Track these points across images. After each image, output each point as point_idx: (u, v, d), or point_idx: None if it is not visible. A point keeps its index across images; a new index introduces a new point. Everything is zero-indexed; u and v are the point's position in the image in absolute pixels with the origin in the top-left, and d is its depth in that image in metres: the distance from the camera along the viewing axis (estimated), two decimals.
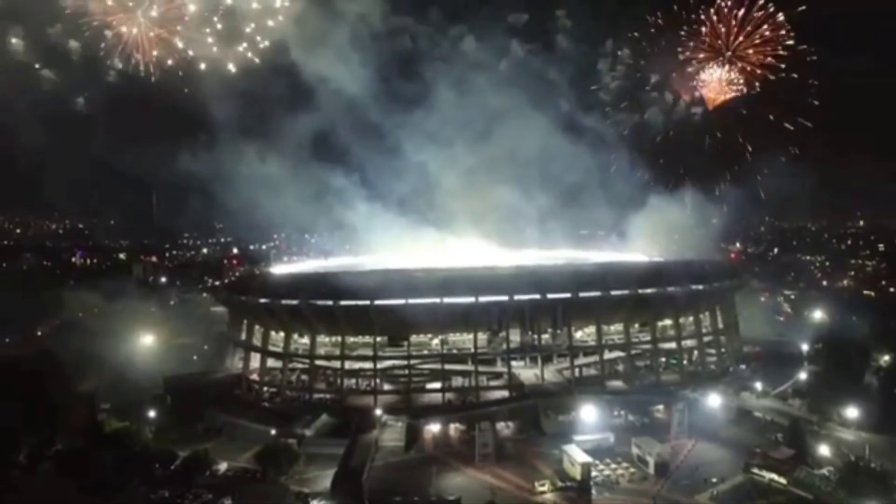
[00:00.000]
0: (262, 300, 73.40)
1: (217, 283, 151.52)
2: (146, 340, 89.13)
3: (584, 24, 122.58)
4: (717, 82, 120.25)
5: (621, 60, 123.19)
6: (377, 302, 67.89)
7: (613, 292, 71.46)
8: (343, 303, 68.72)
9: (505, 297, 69.36)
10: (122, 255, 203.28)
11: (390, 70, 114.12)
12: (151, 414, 67.01)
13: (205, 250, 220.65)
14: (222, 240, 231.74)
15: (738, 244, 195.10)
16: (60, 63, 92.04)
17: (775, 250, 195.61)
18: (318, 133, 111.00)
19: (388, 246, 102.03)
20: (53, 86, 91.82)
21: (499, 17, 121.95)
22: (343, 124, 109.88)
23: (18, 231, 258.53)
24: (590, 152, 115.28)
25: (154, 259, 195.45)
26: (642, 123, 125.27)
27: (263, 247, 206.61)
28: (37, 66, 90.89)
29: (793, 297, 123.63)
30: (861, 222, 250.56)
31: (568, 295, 70.39)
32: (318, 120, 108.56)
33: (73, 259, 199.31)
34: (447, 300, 68.27)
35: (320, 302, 69.35)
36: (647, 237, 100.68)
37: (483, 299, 69.01)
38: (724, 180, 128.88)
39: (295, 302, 70.70)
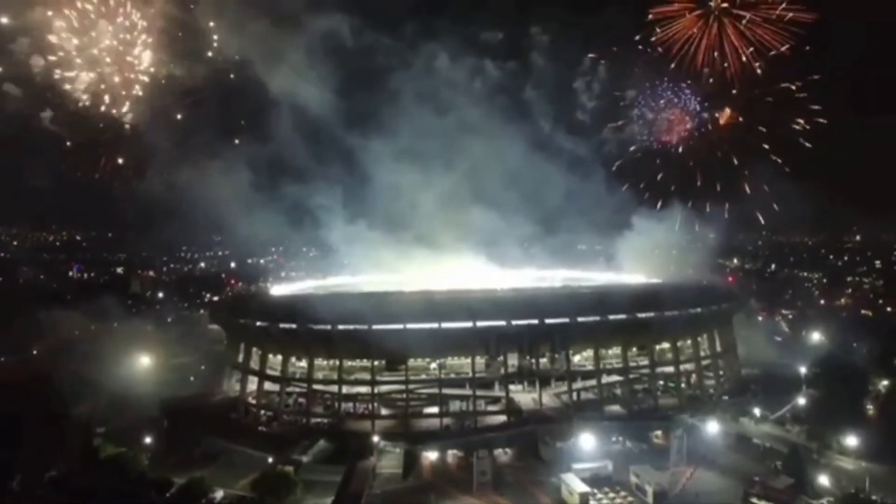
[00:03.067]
0: (260, 323, 73.24)
1: (215, 298, 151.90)
2: (143, 361, 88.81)
3: (560, 42, 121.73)
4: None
5: (598, 78, 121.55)
6: (375, 327, 67.68)
7: (612, 317, 71.37)
8: (341, 327, 68.47)
9: (503, 322, 69.28)
10: (119, 270, 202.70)
11: (371, 88, 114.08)
12: (147, 439, 66.75)
13: (202, 264, 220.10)
14: (220, 253, 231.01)
15: (735, 260, 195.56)
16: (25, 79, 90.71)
17: (772, 266, 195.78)
18: (313, 151, 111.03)
19: (386, 262, 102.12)
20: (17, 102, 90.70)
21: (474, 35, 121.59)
22: (333, 144, 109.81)
23: (15, 243, 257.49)
24: (579, 170, 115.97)
25: (152, 273, 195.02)
26: (625, 142, 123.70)
27: (261, 261, 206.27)
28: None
29: (790, 316, 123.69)
30: (858, 237, 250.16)
31: (566, 320, 70.25)
32: (311, 138, 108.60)
33: (71, 273, 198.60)
34: (445, 325, 68.17)
35: (318, 326, 69.11)
36: (644, 256, 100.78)
37: (481, 324, 68.92)
38: (715, 196, 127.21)
39: (293, 326, 70.57)
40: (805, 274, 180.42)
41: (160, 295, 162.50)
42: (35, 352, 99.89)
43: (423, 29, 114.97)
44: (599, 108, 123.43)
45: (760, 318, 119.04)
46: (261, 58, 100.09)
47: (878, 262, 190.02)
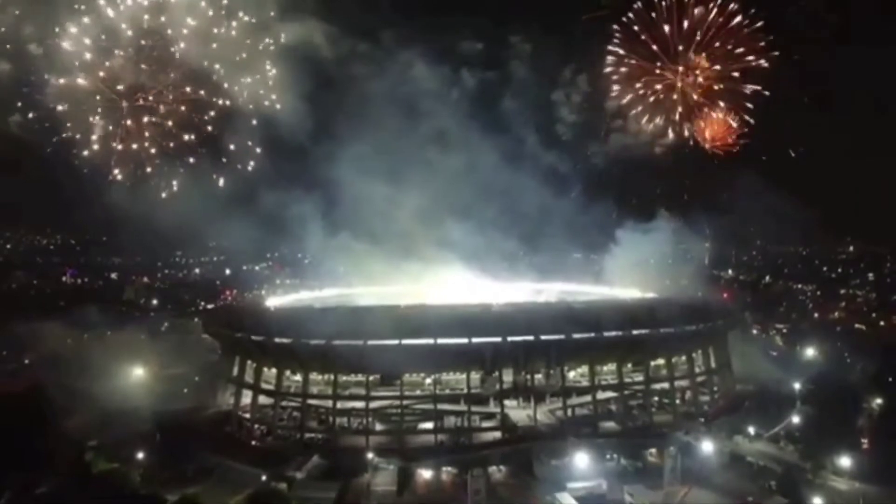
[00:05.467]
0: (255, 338, 73.04)
1: (210, 306, 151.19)
2: (136, 371, 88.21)
3: (541, 52, 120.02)
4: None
5: (579, 90, 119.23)
6: (370, 342, 67.65)
7: (607, 333, 71.47)
8: (336, 342, 68.37)
9: (498, 339, 69.31)
10: (113, 275, 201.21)
11: (350, 99, 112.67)
12: (140, 453, 66.20)
13: (197, 270, 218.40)
14: (215, 259, 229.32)
15: (730, 271, 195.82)
16: None
17: (767, 278, 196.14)
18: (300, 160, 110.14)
19: (379, 273, 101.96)
20: None
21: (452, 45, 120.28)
22: (319, 153, 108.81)
23: (9, 246, 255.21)
24: (572, 181, 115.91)
25: (146, 279, 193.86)
26: (608, 154, 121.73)
27: (256, 268, 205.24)
28: None
29: (785, 330, 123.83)
30: (851, 248, 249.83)
31: (562, 336, 70.34)
32: (296, 148, 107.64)
33: (64, 278, 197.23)
34: (441, 341, 68.15)
35: (313, 341, 68.98)
36: (638, 268, 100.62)
37: (476, 340, 68.94)
38: (708, 206, 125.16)
39: (288, 340, 70.41)
40: (799, 286, 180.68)
41: (154, 302, 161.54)
42: (27, 361, 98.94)
43: (411, 40, 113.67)
44: (579, 122, 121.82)
45: (755, 332, 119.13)
46: (231, 66, 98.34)
47: (871, 274, 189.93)
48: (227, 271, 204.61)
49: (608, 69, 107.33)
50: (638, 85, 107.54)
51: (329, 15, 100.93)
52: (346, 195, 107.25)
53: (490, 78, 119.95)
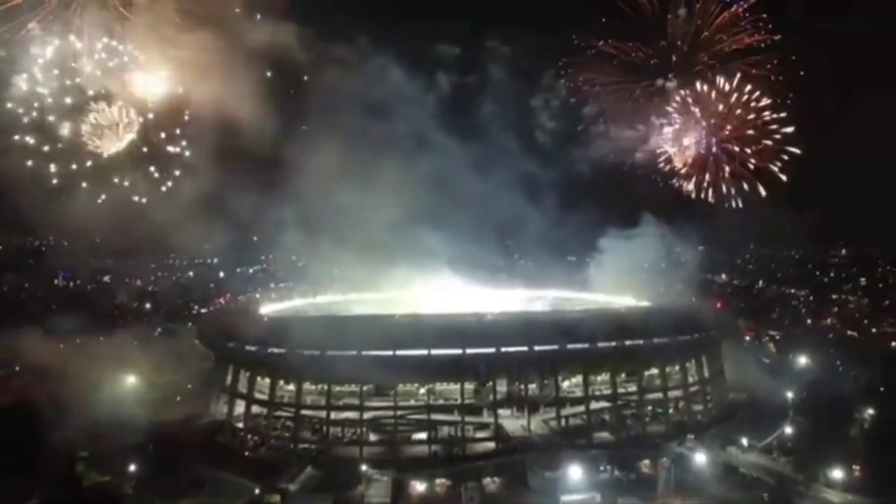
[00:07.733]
0: (249, 347, 72.78)
1: (203, 310, 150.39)
2: (128, 379, 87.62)
3: (520, 56, 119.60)
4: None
5: (558, 94, 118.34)
6: (364, 352, 67.52)
7: (601, 344, 71.55)
8: (330, 353, 68.19)
9: (492, 349, 69.33)
10: (106, 278, 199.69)
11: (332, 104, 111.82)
12: (132, 464, 65.69)
13: (191, 273, 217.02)
14: (208, 261, 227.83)
15: (723, 275, 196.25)
16: None
17: (760, 283, 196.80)
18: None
19: (371, 279, 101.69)
20: None
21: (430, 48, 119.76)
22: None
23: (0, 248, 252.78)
24: (565, 184, 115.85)
25: (139, 282, 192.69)
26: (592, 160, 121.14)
27: (251, 270, 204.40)
28: None
29: (777, 337, 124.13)
30: (844, 251, 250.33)
31: (556, 347, 70.45)
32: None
33: (56, 281, 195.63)
34: (435, 352, 68.10)
35: (307, 351, 68.78)
36: (632, 273, 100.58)
37: (471, 351, 68.92)
38: (701, 209, 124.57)
39: (282, 350, 70.17)
40: (792, 291, 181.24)
41: (147, 306, 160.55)
42: (17, 368, 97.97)
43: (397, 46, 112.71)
44: (559, 127, 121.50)
45: (748, 338, 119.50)
46: (202, 69, 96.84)
47: (863, 279, 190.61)
48: (221, 274, 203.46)
49: (589, 75, 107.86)
50: (621, 89, 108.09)
51: (308, 21, 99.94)
52: (332, 200, 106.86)
53: (486, 82, 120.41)
